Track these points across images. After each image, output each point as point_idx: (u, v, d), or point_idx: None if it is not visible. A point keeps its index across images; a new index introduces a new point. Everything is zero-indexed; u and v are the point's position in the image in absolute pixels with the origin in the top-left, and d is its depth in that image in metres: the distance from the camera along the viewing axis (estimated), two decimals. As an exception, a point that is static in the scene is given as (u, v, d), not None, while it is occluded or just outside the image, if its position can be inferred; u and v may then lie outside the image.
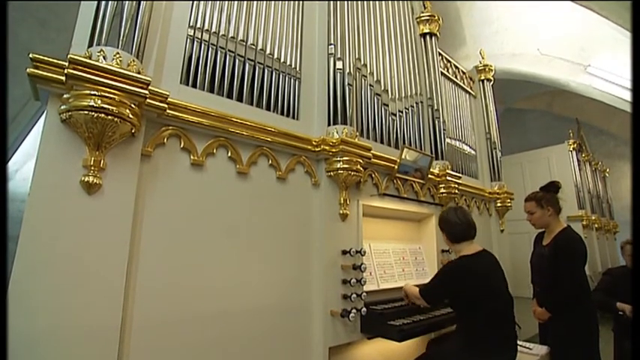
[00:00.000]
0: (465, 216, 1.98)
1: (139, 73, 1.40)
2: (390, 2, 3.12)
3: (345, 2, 2.42)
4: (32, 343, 1.18)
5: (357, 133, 2.25)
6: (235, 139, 1.83)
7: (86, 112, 1.28)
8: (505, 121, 7.80)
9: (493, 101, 4.19)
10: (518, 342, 1.93)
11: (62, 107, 1.31)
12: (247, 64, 1.96)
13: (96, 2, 1.40)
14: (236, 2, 1.99)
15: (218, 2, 1.92)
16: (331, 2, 2.38)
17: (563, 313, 2.20)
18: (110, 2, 1.39)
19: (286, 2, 2.30)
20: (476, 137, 4.06)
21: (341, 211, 2.18)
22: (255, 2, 2.10)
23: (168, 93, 1.54)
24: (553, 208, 2.39)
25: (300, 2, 2.39)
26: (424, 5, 3.48)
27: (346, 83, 2.22)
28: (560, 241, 2.29)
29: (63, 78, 1.29)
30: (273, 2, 2.21)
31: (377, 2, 2.96)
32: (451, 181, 2.99)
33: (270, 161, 1.97)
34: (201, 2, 1.86)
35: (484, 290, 1.78)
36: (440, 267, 2.83)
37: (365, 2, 2.82)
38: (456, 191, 3.04)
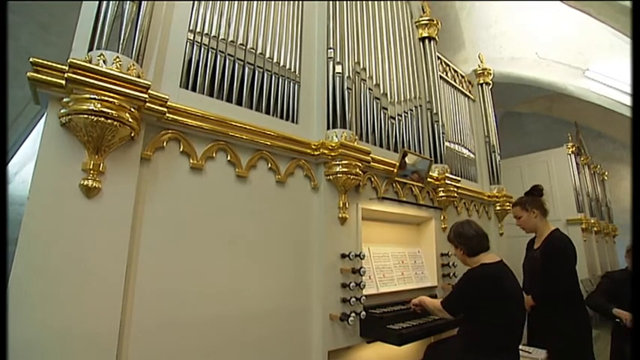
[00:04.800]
0: (479, 227, 1.95)
1: (138, 77, 1.41)
2: (389, 6, 3.14)
3: (345, 6, 2.43)
4: (29, 348, 1.17)
5: (357, 137, 2.26)
6: (235, 142, 1.83)
7: (86, 115, 1.28)
8: (504, 124, 7.84)
9: (492, 105, 4.20)
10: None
11: (62, 111, 1.31)
12: (247, 68, 1.97)
13: (96, 5, 1.41)
14: (236, 5, 2.01)
15: (218, 4, 1.93)
16: (330, 6, 2.39)
17: (555, 313, 2.22)
18: (111, 4, 1.40)
19: (285, 6, 2.31)
20: (475, 141, 4.07)
21: (340, 215, 2.18)
22: (254, 5, 2.11)
23: (167, 97, 1.55)
24: (538, 210, 2.46)
25: (300, 5, 2.40)
26: (423, 9, 3.50)
27: (345, 87, 2.23)
28: (550, 242, 2.36)
29: (63, 82, 1.30)
30: (272, 5, 2.23)
31: (376, 6, 2.98)
32: (450, 184, 3.00)
33: (269, 165, 1.97)
34: (201, 6, 1.87)
35: (506, 298, 1.76)
36: (439, 268, 2.84)
37: (364, 6, 2.84)
38: (455, 195, 3.05)
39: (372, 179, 2.47)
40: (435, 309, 2.02)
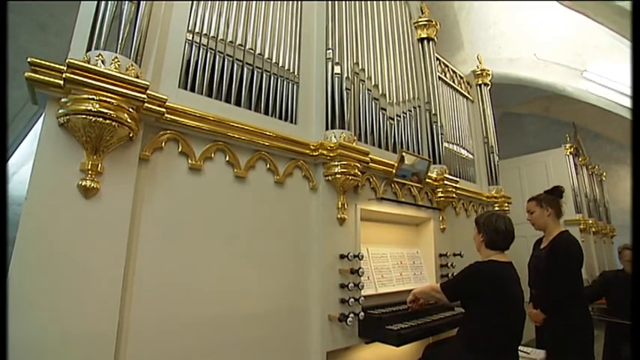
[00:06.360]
0: (512, 227, 1.93)
1: (137, 77, 1.41)
2: (388, 7, 3.14)
3: (344, 6, 2.43)
4: (27, 349, 1.17)
5: (355, 138, 2.26)
6: (233, 143, 1.83)
7: (84, 116, 1.28)
8: (502, 125, 7.84)
9: (490, 105, 4.21)
10: None
11: (60, 111, 1.31)
12: (245, 68, 1.97)
13: (95, 4, 1.41)
14: (235, 5, 2.01)
15: (217, 4, 1.93)
16: (329, 6, 2.39)
17: (558, 315, 2.22)
18: (110, 4, 1.40)
19: (284, 6, 2.31)
20: (473, 141, 4.07)
21: (339, 216, 2.18)
22: (253, 5, 2.11)
23: (166, 97, 1.54)
24: (552, 209, 2.47)
25: (299, 5, 2.40)
26: (422, 10, 3.51)
27: (344, 88, 2.23)
28: (557, 243, 2.36)
29: (61, 82, 1.29)
30: (271, 6, 2.23)
31: (375, 7, 2.98)
32: (449, 185, 3.00)
33: (268, 165, 1.97)
34: (200, 6, 1.86)
35: (507, 299, 1.77)
36: (438, 268, 2.84)
37: (363, 7, 2.84)
38: (454, 195, 3.05)
39: (371, 180, 2.47)
40: (432, 290, 2.03)
